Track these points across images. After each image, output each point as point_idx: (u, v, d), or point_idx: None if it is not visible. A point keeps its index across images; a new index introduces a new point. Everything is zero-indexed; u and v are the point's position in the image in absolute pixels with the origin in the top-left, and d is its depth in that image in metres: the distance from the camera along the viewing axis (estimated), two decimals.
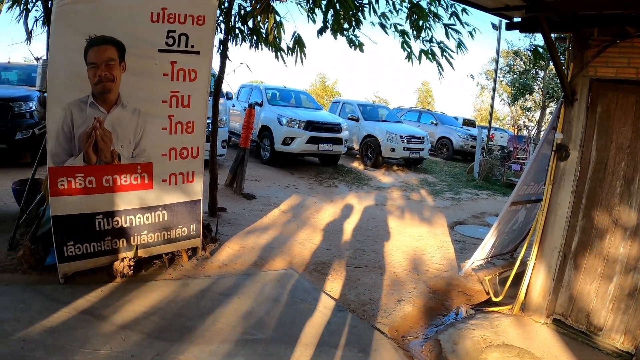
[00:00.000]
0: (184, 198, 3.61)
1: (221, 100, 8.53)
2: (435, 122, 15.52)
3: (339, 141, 9.41)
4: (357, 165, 10.89)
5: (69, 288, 3.10)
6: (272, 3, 3.76)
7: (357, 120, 11.41)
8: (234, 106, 10.51)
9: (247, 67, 5.36)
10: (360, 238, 5.18)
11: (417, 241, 5.32)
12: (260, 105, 9.60)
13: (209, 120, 4.48)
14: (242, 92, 11.07)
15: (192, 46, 3.36)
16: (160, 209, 3.49)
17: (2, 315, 2.67)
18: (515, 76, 20.48)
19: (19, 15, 4.66)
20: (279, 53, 4.45)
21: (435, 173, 11.19)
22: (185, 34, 3.32)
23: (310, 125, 8.97)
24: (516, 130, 17.35)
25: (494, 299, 3.76)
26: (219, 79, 5.08)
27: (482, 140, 11.19)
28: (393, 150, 10.54)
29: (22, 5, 4.53)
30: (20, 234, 3.69)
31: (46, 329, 2.59)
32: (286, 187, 7.60)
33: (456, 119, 17.23)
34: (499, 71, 16.80)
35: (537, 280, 3.37)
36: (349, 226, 5.69)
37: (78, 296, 3.01)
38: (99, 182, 3.16)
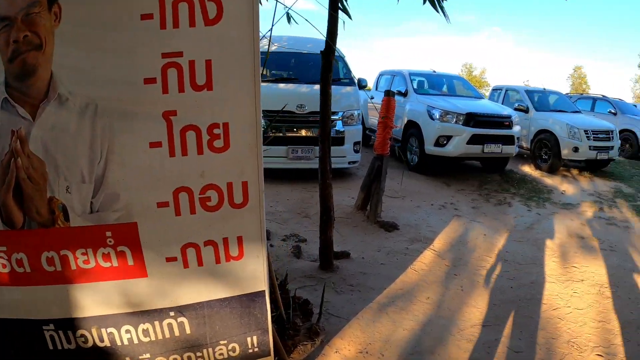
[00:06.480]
0: (225, 292, 1.67)
1: (349, 89, 6.24)
2: (614, 111, 11.94)
3: (509, 139, 6.73)
4: (528, 169, 8.04)
5: None
6: None
7: (525, 111, 8.60)
8: (372, 98, 8.45)
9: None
10: (572, 317, 2.84)
11: None
12: (405, 95, 7.43)
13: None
14: (382, 80, 9.15)
15: None
16: (172, 313, 1.65)
17: None
18: None
19: None
20: None
21: (626, 179, 8.03)
22: None
23: (471, 119, 6.47)
24: None
25: None
26: (331, 34, 2.98)
27: None
28: (576, 149, 7.74)
29: None
30: None
31: None
32: (441, 207, 5.29)
33: (635, 106, 13.76)
34: None
35: None
36: (551, 292, 3.24)
37: None
38: (35, 264, 1.50)
